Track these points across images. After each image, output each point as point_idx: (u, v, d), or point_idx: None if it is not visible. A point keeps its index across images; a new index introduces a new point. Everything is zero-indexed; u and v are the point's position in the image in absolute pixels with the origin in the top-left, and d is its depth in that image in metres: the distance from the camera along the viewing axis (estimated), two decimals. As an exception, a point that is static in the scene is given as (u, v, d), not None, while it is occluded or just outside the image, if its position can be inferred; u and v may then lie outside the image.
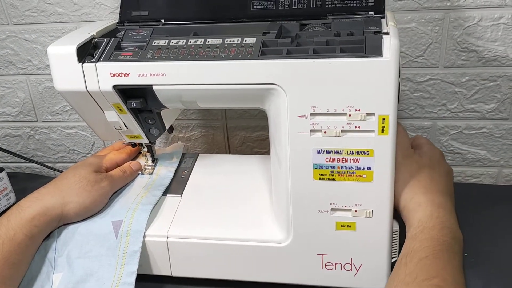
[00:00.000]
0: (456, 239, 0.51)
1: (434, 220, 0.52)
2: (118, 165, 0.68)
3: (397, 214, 0.56)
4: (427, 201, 0.54)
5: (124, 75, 0.54)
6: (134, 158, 0.72)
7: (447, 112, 0.79)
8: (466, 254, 0.64)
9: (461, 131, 0.80)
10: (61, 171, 0.87)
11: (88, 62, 0.54)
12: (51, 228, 0.60)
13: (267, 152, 0.88)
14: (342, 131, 0.51)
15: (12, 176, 0.81)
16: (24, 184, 0.89)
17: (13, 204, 0.78)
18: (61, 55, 0.54)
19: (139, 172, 0.70)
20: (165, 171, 0.70)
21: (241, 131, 0.88)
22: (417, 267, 0.47)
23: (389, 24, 0.52)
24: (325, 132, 0.51)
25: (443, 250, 0.49)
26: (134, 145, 0.71)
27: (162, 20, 0.61)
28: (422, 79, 0.77)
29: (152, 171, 0.70)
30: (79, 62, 0.54)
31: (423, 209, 0.53)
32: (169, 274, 0.61)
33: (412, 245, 0.50)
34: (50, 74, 0.85)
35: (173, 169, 0.71)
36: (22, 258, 0.56)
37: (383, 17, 0.56)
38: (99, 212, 0.63)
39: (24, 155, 0.92)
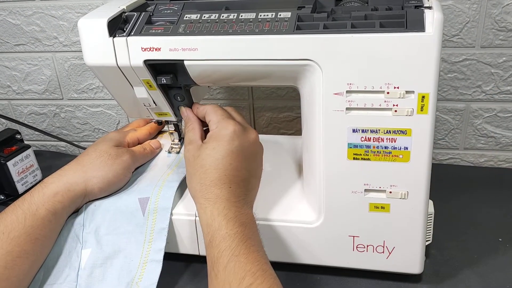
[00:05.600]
0: (246, 224, 0.50)
1: (216, 218, 0.49)
2: (139, 142, 0.68)
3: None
4: (205, 201, 0.51)
5: (156, 49, 0.52)
6: (155, 137, 0.72)
7: (482, 94, 0.76)
8: (500, 240, 0.63)
9: (495, 114, 0.78)
10: (86, 149, 0.87)
11: (119, 36, 0.53)
12: (77, 205, 0.60)
13: (294, 133, 0.87)
14: (379, 109, 0.49)
15: (37, 154, 0.81)
16: (49, 162, 0.89)
17: (40, 181, 0.78)
18: (92, 28, 0.53)
19: (167, 151, 0.69)
20: (192, 150, 0.69)
21: (267, 111, 0.86)
22: (226, 275, 0.46)
23: (431, -2, 0.50)
24: (361, 110, 0.50)
25: (239, 244, 0.47)
26: (160, 122, 0.70)
27: (192, -5, 0.60)
28: (457, 59, 0.75)
29: (179, 150, 0.69)
30: (110, 36, 0.53)
31: (204, 212, 0.51)
32: (197, 253, 0.61)
33: (212, 254, 0.48)
34: (76, 51, 0.87)
35: (200, 148, 0.70)
36: (45, 233, 0.56)
37: (423, -8, 0.53)
38: (125, 189, 0.62)
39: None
